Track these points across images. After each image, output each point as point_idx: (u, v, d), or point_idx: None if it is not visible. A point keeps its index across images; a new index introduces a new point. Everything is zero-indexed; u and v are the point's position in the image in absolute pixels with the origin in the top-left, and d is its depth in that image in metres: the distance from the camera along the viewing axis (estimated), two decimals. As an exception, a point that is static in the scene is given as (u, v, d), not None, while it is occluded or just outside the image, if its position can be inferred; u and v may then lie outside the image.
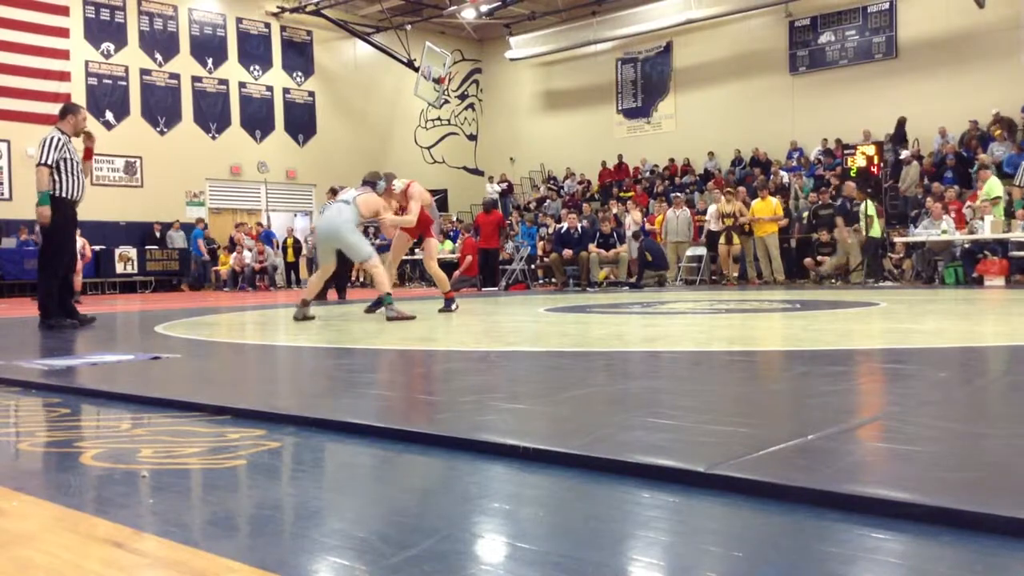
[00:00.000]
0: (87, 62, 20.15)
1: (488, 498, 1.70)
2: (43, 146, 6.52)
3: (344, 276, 13.27)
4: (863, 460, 1.79)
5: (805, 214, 16.01)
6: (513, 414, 2.46)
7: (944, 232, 12.98)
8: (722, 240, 15.22)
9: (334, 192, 13.08)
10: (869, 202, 13.73)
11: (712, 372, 3.50)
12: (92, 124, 20.23)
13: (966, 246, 12.93)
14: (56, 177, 6.55)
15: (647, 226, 16.72)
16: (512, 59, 25.58)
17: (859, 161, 14.22)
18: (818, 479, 1.60)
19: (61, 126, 6.73)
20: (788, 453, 1.82)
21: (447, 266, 17.97)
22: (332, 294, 12.46)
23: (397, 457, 2.05)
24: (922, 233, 13.36)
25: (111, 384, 3.29)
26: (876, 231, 13.59)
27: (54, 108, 19.36)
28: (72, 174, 6.68)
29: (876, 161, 14.21)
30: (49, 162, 6.49)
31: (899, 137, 17.97)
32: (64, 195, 6.64)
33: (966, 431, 2.07)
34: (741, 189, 16.52)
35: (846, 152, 15.12)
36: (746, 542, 1.39)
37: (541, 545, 1.38)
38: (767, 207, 14.97)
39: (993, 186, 13.38)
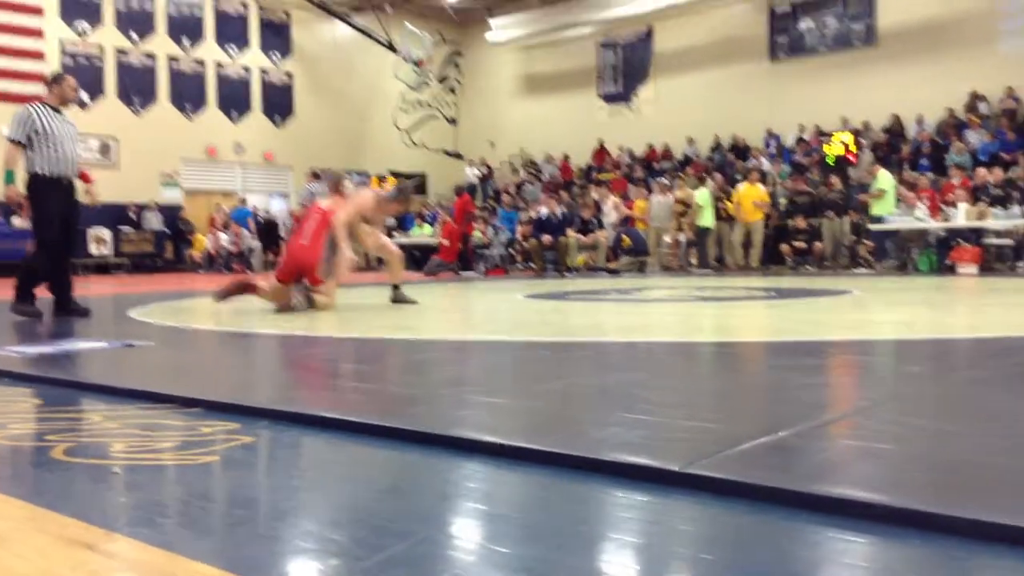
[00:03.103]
0: (62, 41, 19.85)
1: (463, 497, 1.71)
2: (12, 121, 6.22)
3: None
4: (834, 459, 1.81)
5: (782, 200, 16.09)
6: (490, 408, 2.46)
7: (918, 220, 13.09)
8: (673, 225, 15.43)
9: (316, 176, 13.01)
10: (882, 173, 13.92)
11: (688, 364, 3.51)
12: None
13: (940, 234, 13.06)
14: (29, 152, 6.18)
15: (626, 211, 16.76)
16: (493, 42, 25.45)
17: (836, 148, 14.27)
18: (790, 479, 1.61)
19: (46, 98, 6.39)
20: (761, 451, 1.83)
21: (427, 250, 17.95)
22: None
23: (373, 453, 2.05)
24: (896, 220, 13.46)
25: (83, 374, 3.26)
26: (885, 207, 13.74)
27: (28, 88, 19.14)
28: (50, 147, 6.21)
29: (852, 149, 14.27)
30: (14, 137, 6.13)
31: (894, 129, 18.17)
32: (39, 171, 6.21)
33: (936, 428, 2.10)
34: (718, 176, 16.62)
35: (822, 139, 15.17)
36: (718, 544, 1.41)
37: (515, 548, 1.38)
38: (754, 192, 15.05)
39: (882, 178, 13.76)
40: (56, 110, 6.35)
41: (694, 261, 15.43)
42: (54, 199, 6.29)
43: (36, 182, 6.26)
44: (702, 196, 15.29)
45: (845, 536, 1.40)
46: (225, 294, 6.58)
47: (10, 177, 6.24)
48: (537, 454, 1.88)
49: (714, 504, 1.58)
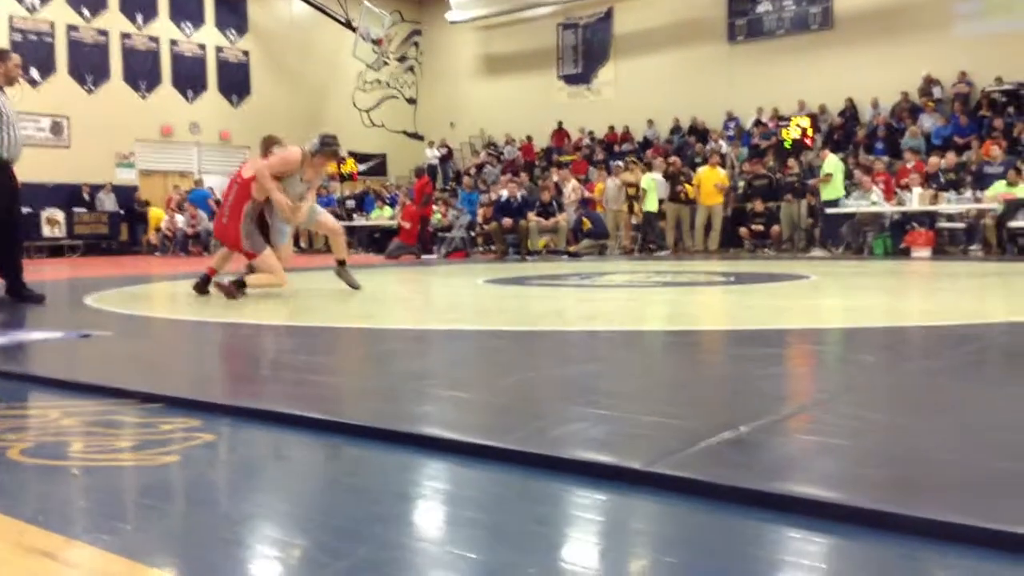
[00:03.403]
0: (11, 16, 19.34)
1: (425, 498, 1.71)
2: None
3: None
4: (794, 455, 1.84)
5: (740, 183, 16.24)
6: (453, 403, 2.46)
7: (874, 203, 13.29)
8: (623, 208, 15.57)
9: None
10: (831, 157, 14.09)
11: (648, 354, 3.54)
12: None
13: (895, 217, 13.28)
14: None
15: (586, 194, 16.82)
16: (452, 21, 25.26)
17: (793, 133, 14.44)
18: (750, 477, 1.64)
19: None
20: (722, 447, 1.86)
21: (388, 233, 17.85)
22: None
23: (336, 451, 2.04)
24: (852, 204, 13.66)
25: (39, 367, 3.21)
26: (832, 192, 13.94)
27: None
28: (9, 129, 5.96)
29: (810, 133, 14.45)
30: None
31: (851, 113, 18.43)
32: (3, 155, 5.95)
33: (892, 422, 2.14)
34: (675, 158, 16.75)
35: (780, 124, 15.36)
36: (679, 544, 1.42)
37: (478, 552, 1.39)
38: (715, 175, 15.17)
39: (828, 163, 14.00)
40: (1, 90, 6.06)
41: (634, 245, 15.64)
42: (6, 185, 6.07)
43: None
44: (647, 181, 15.46)
45: (806, 535, 1.42)
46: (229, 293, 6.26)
47: None
48: (500, 452, 1.89)
49: (676, 503, 1.60)
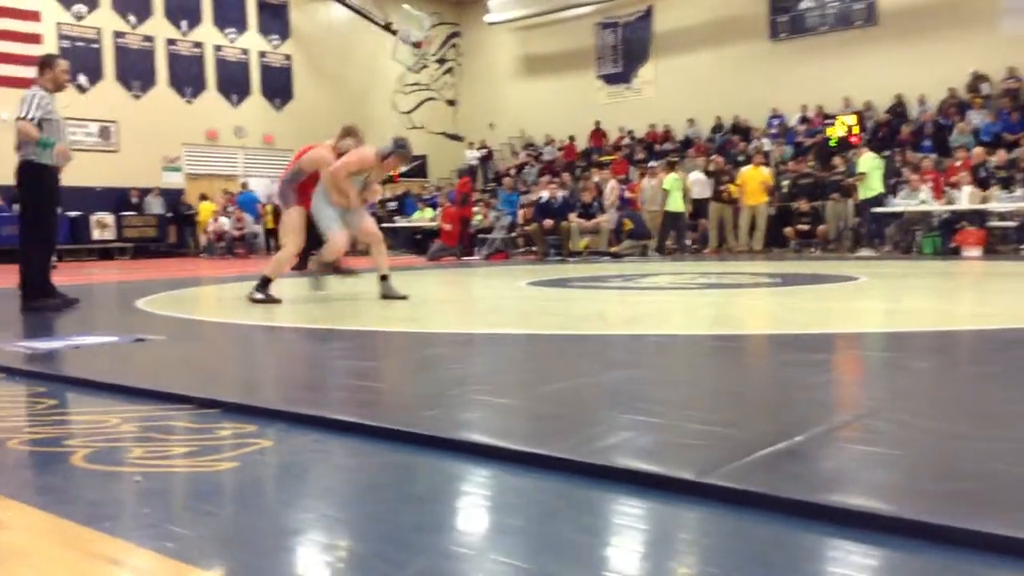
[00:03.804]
0: (59, 24, 19.75)
1: (478, 507, 1.73)
2: (26, 101, 5.94)
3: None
4: (848, 467, 1.83)
5: (785, 183, 16.07)
6: (499, 410, 2.48)
7: (922, 202, 13.08)
8: (716, 202, 15.34)
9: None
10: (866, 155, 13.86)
11: (697, 360, 3.53)
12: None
13: (944, 216, 13.05)
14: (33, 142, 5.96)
15: (627, 194, 16.73)
16: (491, 23, 25.32)
17: (839, 130, 14.24)
18: (806, 489, 1.63)
19: (41, 82, 6.12)
20: (776, 458, 1.85)
21: (429, 235, 17.95)
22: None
23: (387, 457, 2.06)
24: (900, 203, 13.45)
25: (96, 372, 3.27)
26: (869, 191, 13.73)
27: (25, 71, 19.05)
28: (59, 135, 6.05)
29: (856, 131, 14.23)
30: (30, 116, 5.88)
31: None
32: (47, 161, 6.04)
33: (948, 432, 2.11)
34: (718, 157, 16.62)
35: (826, 122, 15.18)
36: (733, 557, 1.42)
37: (529, 562, 1.40)
38: (758, 175, 15.02)
39: (862, 162, 13.68)
40: (52, 95, 6.15)
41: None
42: (54, 192, 6.17)
43: (38, 172, 6.04)
44: (669, 181, 15.36)
45: (863, 549, 1.41)
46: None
47: (48, 141, 5.92)
48: (549, 460, 1.90)
49: (729, 514, 1.59)
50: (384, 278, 6.53)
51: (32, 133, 5.87)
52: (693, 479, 1.71)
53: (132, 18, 20.86)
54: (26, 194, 6.12)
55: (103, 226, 19.46)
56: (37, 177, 6.06)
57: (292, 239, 6.50)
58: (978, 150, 13.84)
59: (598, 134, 23.24)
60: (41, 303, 6.09)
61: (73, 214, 18.84)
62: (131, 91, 20.84)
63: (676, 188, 15.32)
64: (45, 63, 6.25)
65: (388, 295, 6.38)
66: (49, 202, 6.16)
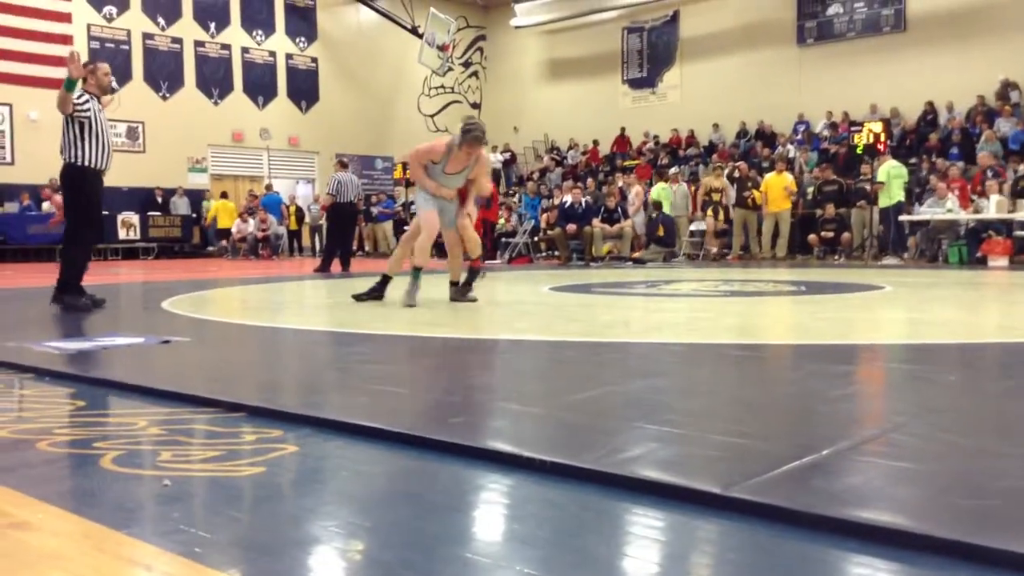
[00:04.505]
0: (89, 25, 20.00)
1: (506, 517, 1.73)
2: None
3: (349, 248, 13.27)
4: (876, 482, 1.81)
5: (810, 189, 15.97)
6: (524, 419, 2.48)
7: (949, 211, 12.96)
8: (708, 213, 15.37)
9: (343, 164, 13.03)
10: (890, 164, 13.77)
11: (721, 370, 3.51)
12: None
13: (971, 225, 12.92)
14: (79, 143, 6.08)
15: (649, 199, 16.72)
16: (517, 26, 25.37)
17: (866, 138, 14.15)
18: (833, 505, 1.62)
19: (87, 88, 6.23)
20: (801, 472, 1.84)
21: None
22: (336, 266, 12.48)
23: (412, 464, 2.07)
24: (927, 211, 13.34)
25: (124, 373, 3.31)
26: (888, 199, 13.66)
27: (56, 72, 19.29)
28: (96, 139, 6.12)
29: (883, 138, 14.13)
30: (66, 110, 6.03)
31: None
32: (86, 163, 6.13)
33: (976, 448, 2.09)
34: (742, 163, 16.57)
35: (853, 129, 15.08)
36: (756, 570, 1.41)
37: (555, 573, 1.40)
38: (782, 181, 14.95)
39: (881, 170, 13.61)
40: (98, 99, 6.28)
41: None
42: (97, 193, 6.26)
43: (83, 175, 6.13)
44: (658, 191, 15.55)
45: (890, 566, 1.40)
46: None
47: (72, 82, 5.94)
48: (574, 470, 1.90)
49: (754, 528, 1.59)
50: (455, 283, 6.41)
51: (60, 92, 5.97)
52: (718, 492, 1.70)
53: (161, 20, 21.08)
54: (69, 195, 6.24)
55: (128, 226, 19.66)
56: (79, 179, 6.16)
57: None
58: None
59: (622, 140, 23.20)
60: (72, 301, 6.16)
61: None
62: (159, 92, 21.06)
63: (665, 198, 15.42)
64: (86, 67, 6.33)
65: (464, 299, 6.27)
66: (90, 203, 6.24)
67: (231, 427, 2.47)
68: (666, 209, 15.40)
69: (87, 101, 6.11)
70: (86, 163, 6.13)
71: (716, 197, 15.42)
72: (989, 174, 13.81)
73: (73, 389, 3.11)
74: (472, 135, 6.00)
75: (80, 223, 6.27)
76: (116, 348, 4.05)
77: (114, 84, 7.08)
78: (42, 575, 1.46)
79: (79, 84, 6.00)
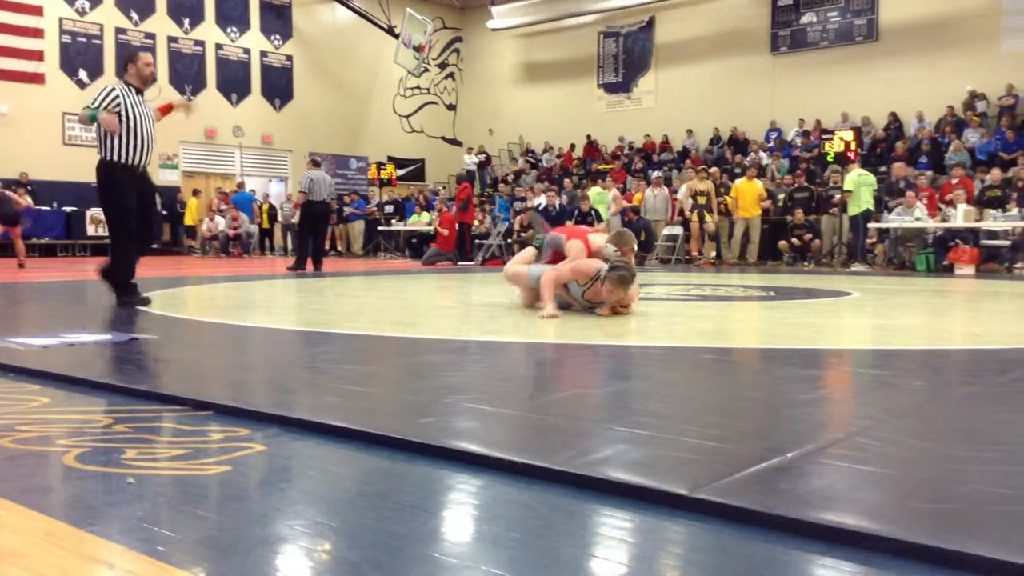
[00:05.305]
0: (61, 19, 19.76)
1: (475, 518, 1.73)
2: (97, 94, 5.96)
3: (321, 248, 13.23)
4: (841, 485, 1.83)
5: (781, 196, 16.12)
6: (494, 419, 2.48)
7: (917, 219, 13.13)
8: (694, 218, 15.39)
9: (316, 163, 12.98)
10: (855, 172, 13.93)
11: (691, 373, 3.53)
12: (64, 83, 19.91)
13: (938, 233, 13.10)
14: (110, 137, 5.90)
15: (624, 203, 16.79)
16: (494, 29, 25.40)
17: (836, 146, 14.33)
18: (796, 506, 1.63)
19: (127, 78, 6.11)
20: (767, 475, 1.86)
21: (425, 239, 17.95)
22: (308, 265, 12.43)
23: (380, 464, 2.07)
24: (895, 219, 13.50)
25: (90, 371, 3.27)
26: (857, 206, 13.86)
27: (28, 65, 19.08)
28: (130, 133, 5.94)
29: (853, 146, 14.31)
30: (93, 108, 5.87)
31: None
32: (117, 158, 5.93)
33: (940, 452, 2.12)
34: (714, 169, 16.69)
35: (824, 137, 15.26)
36: (721, 571, 1.42)
37: (522, 574, 1.40)
38: (752, 188, 15.07)
39: (848, 179, 13.92)
40: (139, 91, 6.12)
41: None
42: (129, 188, 6.04)
43: (111, 170, 5.98)
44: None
45: (855, 568, 1.42)
46: None
47: (94, 113, 5.84)
48: (549, 472, 1.90)
49: (721, 530, 1.60)
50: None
51: (83, 113, 5.91)
52: (685, 494, 1.71)
53: (134, 15, 20.88)
54: (100, 192, 6.11)
55: (98, 222, 19.43)
56: (109, 174, 6.01)
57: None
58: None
59: (591, 146, 23.29)
60: (130, 299, 6.08)
61: (69, 209, 18.83)
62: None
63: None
64: (129, 58, 6.27)
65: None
66: (121, 200, 6.05)
67: (198, 425, 2.45)
68: (603, 214, 15.38)
69: (117, 96, 5.96)
70: (117, 158, 5.96)
71: (702, 200, 15.42)
72: (954, 181, 14.03)
73: (38, 386, 3.07)
74: (615, 274, 5.40)
75: (114, 221, 6.15)
76: (82, 345, 4.00)
77: (187, 95, 6.79)
78: (2, 573, 1.43)
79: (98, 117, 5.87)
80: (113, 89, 6.00)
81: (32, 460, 2.15)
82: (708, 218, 15.24)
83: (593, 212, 15.11)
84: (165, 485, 1.92)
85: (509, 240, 16.74)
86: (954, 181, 14.05)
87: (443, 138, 27.49)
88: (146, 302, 6.10)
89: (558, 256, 5.96)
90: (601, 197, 15.88)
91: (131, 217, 6.09)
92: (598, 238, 5.95)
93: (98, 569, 1.45)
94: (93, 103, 5.89)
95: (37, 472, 2.06)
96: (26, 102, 18.98)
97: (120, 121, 5.89)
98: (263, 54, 23.28)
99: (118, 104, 5.92)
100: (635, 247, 5.69)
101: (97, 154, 6.07)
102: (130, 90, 6.06)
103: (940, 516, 1.62)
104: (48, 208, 18.50)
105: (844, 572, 1.41)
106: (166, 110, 6.57)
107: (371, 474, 2.02)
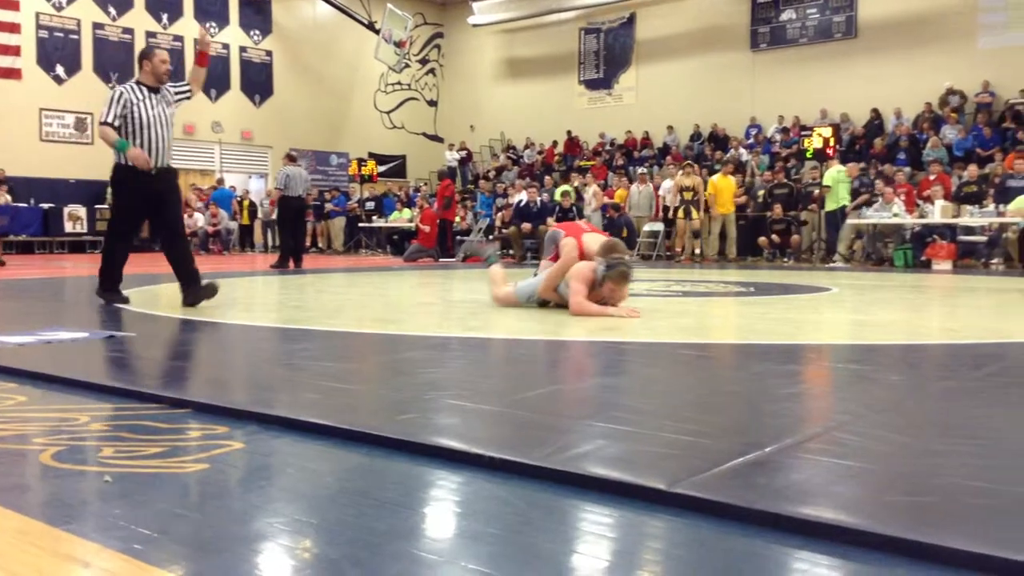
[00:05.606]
0: (38, 14, 19.55)
1: (455, 514, 1.73)
2: (106, 102, 5.75)
3: (301, 244, 13.17)
4: (818, 479, 1.85)
5: (760, 192, 16.20)
6: (473, 416, 2.48)
7: (895, 215, 13.23)
8: (680, 215, 15.37)
9: (292, 159, 12.92)
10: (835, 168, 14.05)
11: (671, 369, 3.55)
12: (40, 79, 19.69)
13: (916, 229, 13.21)
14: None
15: (605, 200, 16.81)
16: (475, 24, 25.36)
17: (815, 142, 14.41)
18: (776, 501, 1.64)
19: (141, 77, 5.93)
20: (745, 469, 1.87)
21: (406, 235, 17.92)
22: (291, 263, 12.37)
23: (360, 461, 2.06)
24: (873, 216, 13.60)
25: (67, 368, 3.24)
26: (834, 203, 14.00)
27: (4, 60, 18.87)
28: (142, 134, 5.76)
29: (832, 143, 14.40)
30: (108, 120, 5.70)
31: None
32: (120, 160, 5.79)
33: (918, 446, 2.14)
34: (695, 166, 16.75)
35: (803, 133, 15.35)
36: (701, 567, 1.43)
37: (499, 570, 1.40)
38: (729, 184, 15.13)
39: (826, 175, 14.18)
40: (154, 90, 5.92)
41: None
42: (134, 190, 5.87)
43: (124, 174, 5.84)
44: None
45: (831, 562, 1.43)
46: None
47: (123, 144, 5.71)
48: (522, 467, 1.91)
49: (699, 524, 1.61)
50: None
51: (110, 137, 5.73)
52: (663, 488, 1.72)
53: (112, 10, 20.69)
54: (112, 193, 6.12)
55: (75, 219, 19.26)
56: (119, 176, 5.92)
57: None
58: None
59: (571, 143, 23.30)
60: (110, 296, 6.04)
61: (46, 206, 18.65)
62: (109, 83, 20.63)
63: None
64: (143, 55, 6.07)
65: None
66: (129, 202, 5.96)
67: (176, 423, 2.44)
68: (573, 209, 15.39)
69: (125, 101, 5.78)
70: (120, 160, 5.83)
71: (688, 196, 15.37)
72: (932, 177, 14.16)
73: (14, 384, 3.04)
74: (613, 271, 5.30)
75: (115, 221, 6.14)
76: (59, 342, 3.97)
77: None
78: (-25, 573, 1.42)
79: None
80: (122, 94, 5.79)
81: (8, 459, 2.12)
82: (695, 214, 15.25)
83: (574, 208, 15.12)
84: (143, 483, 1.90)
85: (490, 236, 16.73)
86: (932, 177, 14.17)
87: (424, 134, 27.42)
88: (124, 300, 6.05)
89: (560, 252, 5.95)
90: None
91: (127, 220, 6.07)
92: (592, 240, 5.80)
93: (74, 568, 1.44)
94: (104, 116, 5.73)
95: (13, 471, 2.04)
96: (2, 98, 18.78)
97: (130, 124, 5.77)
98: (242, 49, 23.13)
99: (141, 105, 5.79)
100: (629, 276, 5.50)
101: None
102: (140, 90, 5.85)
103: (917, 509, 1.63)
104: (25, 205, 18.31)
105: (821, 565, 1.42)
106: (204, 59, 6.33)
107: (351, 471, 2.02)
